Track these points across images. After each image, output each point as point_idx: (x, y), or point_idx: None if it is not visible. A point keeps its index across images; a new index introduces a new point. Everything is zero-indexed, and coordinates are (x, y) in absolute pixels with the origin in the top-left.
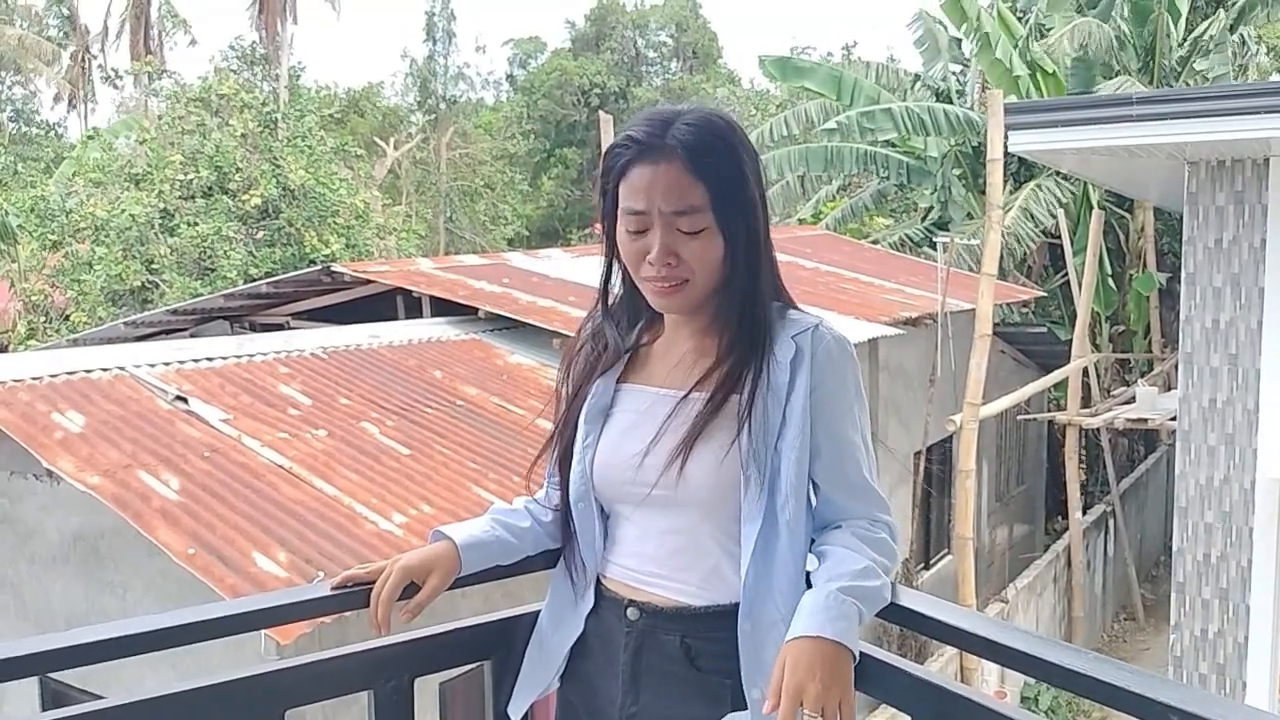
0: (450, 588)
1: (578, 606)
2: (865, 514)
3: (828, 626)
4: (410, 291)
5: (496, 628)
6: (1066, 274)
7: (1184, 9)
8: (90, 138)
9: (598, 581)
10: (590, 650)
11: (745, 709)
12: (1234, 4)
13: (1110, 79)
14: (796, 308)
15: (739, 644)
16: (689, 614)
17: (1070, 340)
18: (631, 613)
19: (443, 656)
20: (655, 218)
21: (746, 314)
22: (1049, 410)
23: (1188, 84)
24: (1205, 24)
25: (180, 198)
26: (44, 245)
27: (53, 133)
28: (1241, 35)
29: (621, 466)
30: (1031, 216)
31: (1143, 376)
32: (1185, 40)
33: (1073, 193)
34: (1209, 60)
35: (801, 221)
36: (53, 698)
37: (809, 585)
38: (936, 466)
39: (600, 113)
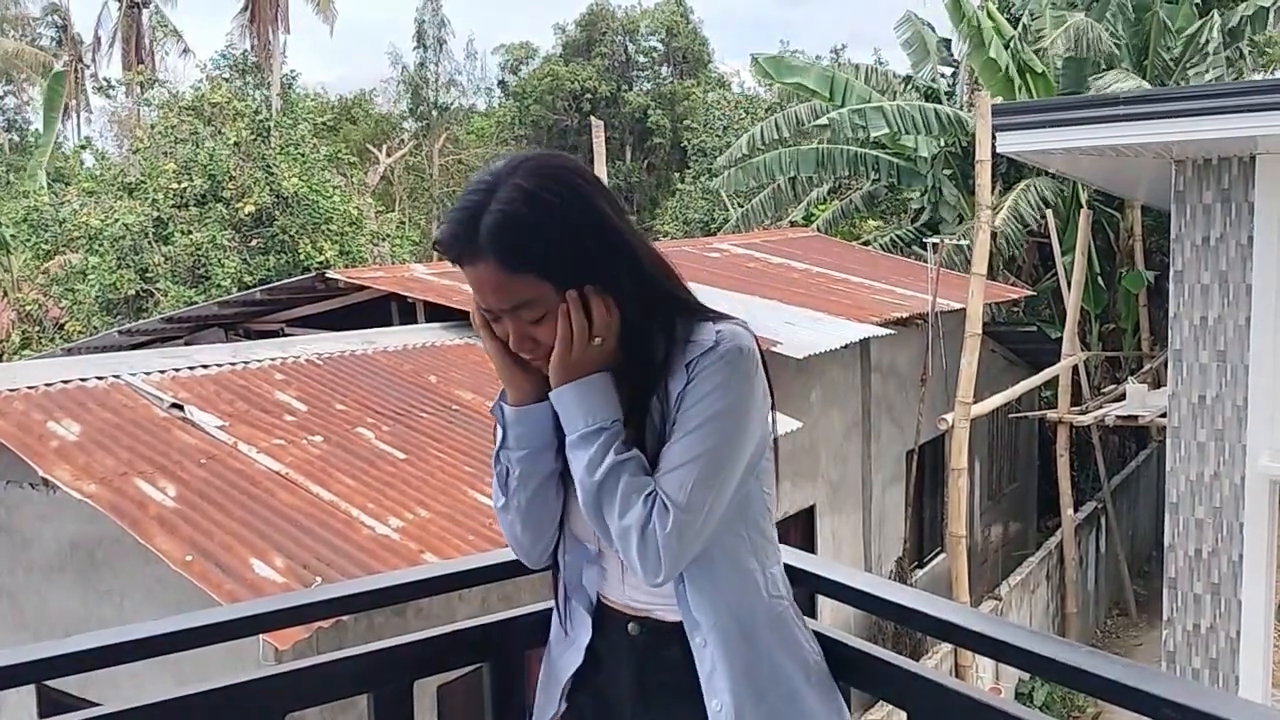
0: (446, 591)
1: (576, 639)
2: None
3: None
4: (404, 297)
5: (494, 629)
6: (1056, 273)
7: (1180, 9)
8: (83, 148)
9: (599, 601)
10: (601, 661)
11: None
12: (1222, 10)
13: (1101, 78)
14: (703, 313)
15: (694, 658)
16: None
17: (1060, 339)
18: (633, 628)
19: (442, 658)
20: (499, 312)
21: (641, 354)
22: (1040, 408)
23: (1179, 84)
24: (1198, 25)
25: (174, 206)
26: (37, 255)
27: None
28: (1239, 49)
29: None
30: (1020, 216)
31: (1133, 374)
32: (1182, 34)
33: (1062, 192)
34: (1206, 63)
35: (793, 224)
36: (50, 706)
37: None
38: (929, 465)
39: (592, 119)
